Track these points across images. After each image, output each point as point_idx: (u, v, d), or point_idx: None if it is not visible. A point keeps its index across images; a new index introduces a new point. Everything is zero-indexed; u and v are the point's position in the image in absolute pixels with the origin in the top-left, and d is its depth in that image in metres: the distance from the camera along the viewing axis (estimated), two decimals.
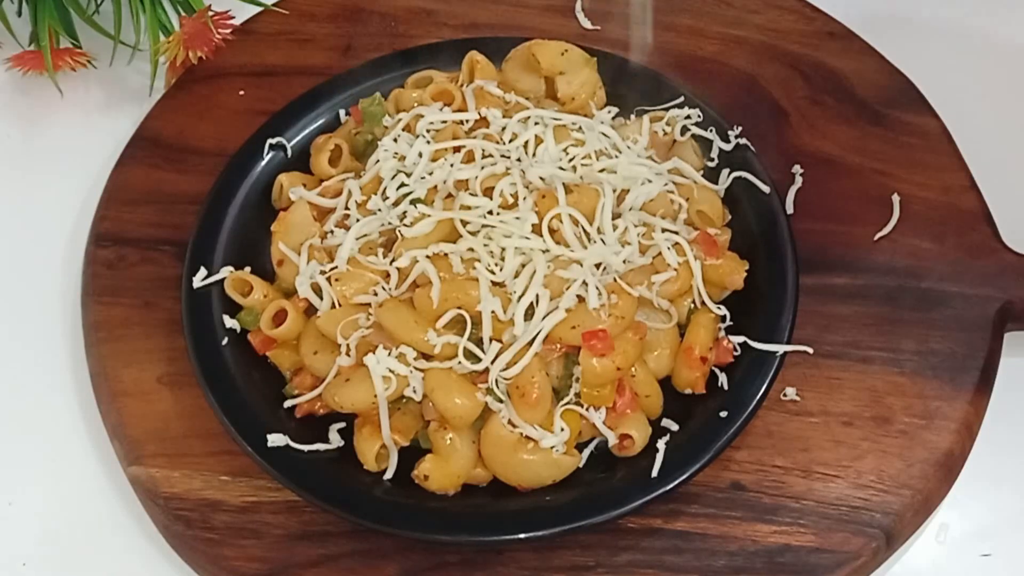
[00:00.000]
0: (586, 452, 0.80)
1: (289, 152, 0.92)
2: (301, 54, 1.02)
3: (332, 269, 0.81)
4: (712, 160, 0.90)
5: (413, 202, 0.81)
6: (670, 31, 1.03)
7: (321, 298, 0.81)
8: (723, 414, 0.79)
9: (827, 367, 0.85)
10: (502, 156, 0.84)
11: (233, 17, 1.01)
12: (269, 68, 1.01)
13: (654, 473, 0.77)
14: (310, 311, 0.83)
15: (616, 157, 0.86)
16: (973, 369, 0.85)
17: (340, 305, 0.80)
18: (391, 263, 0.80)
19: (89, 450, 0.86)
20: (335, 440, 0.81)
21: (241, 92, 1.00)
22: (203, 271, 0.86)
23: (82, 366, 0.88)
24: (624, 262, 0.81)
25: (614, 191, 0.84)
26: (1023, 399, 0.87)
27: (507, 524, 0.77)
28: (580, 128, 0.87)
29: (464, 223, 0.80)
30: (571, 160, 0.84)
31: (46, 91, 1.03)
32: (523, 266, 0.79)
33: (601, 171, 0.84)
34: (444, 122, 0.87)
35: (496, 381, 0.77)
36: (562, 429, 0.78)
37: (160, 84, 1.02)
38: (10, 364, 0.90)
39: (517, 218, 0.80)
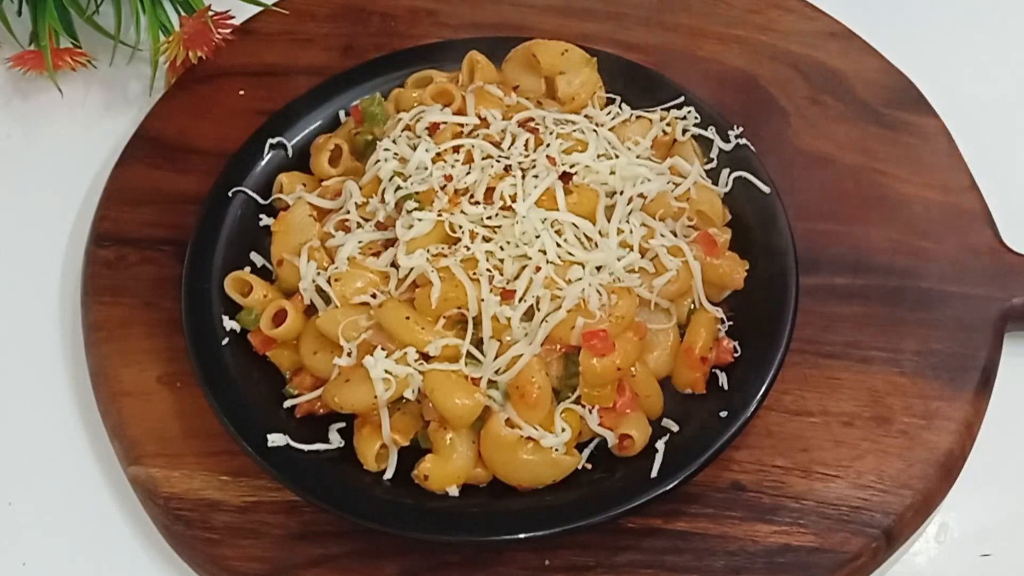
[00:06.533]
0: (586, 452, 0.80)
1: (289, 152, 0.92)
2: (301, 54, 1.02)
3: (333, 269, 0.81)
4: (712, 160, 0.90)
5: (409, 210, 0.81)
6: (670, 31, 1.03)
7: (324, 301, 0.81)
8: (723, 414, 0.79)
9: (827, 367, 0.86)
10: (502, 157, 0.84)
11: (233, 17, 1.01)
12: (269, 68, 1.01)
13: (654, 473, 0.77)
14: (310, 311, 0.83)
15: (616, 158, 0.86)
16: (973, 369, 0.85)
17: (340, 305, 0.80)
18: (390, 264, 0.80)
19: (89, 450, 0.86)
20: (335, 440, 0.81)
21: (241, 92, 1.00)
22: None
23: (82, 366, 0.88)
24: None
25: (614, 192, 0.84)
26: (1023, 399, 0.87)
27: (507, 524, 0.77)
28: (581, 129, 0.86)
29: (461, 226, 0.80)
30: (572, 165, 0.84)
31: (46, 91, 1.03)
32: (523, 268, 0.79)
33: (601, 171, 0.84)
34: (444, 123, 0.87)
35: (495, 381, 0.77)
36: (563, 429, 0.78)
37: (160, 84, 1.02)
38: (10, 364, 0.90)
39: (516, 222, 0.80)
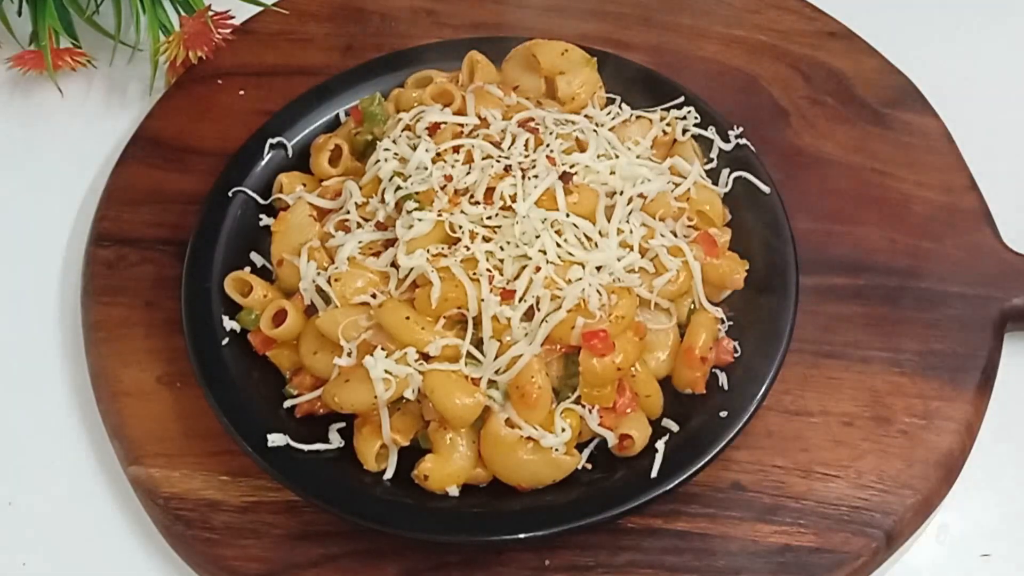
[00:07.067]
0: (586, 452, 0.80)
1: (289, 152, 0.92)
2: (301, 54, 1.02)
3: (333, 269, 0.81)
4: (712, 160, 0.90)
5: (409, 210, 0.81)
6: (670, 31, 1.03)
7: (324, 301, 0.81)
8: (723, 414, 0.79)
9: (827, 367, 0.86)
10: (502, 157, 0.84)
11: (233, 17, 1.01)
12: (269, 68, 1.01)
13: (654, 473, 0.77)
14: (310, 311, 0.83)
15: (616, 158, 0.86)
16: (973, 369, 0.85)
17: (340, 305, 0.80)
18: (390, 264, 0.80)
19: (89, 450, 0.86)
20: (335, 440, 0.81)
21: (241, 92, 1.00)
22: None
23: (82, 366, 0.88)
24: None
25: (614, 192, 0.84)
26: (1023, 399, 0.87)
27: (507, 524, 0.77)
28: (581, 129, 0.86)
29: (461, 226, 0.80)
30: (573, 165, 0.84)
31: (46, 91, 1.03)
32: (523, 268, 0.79)
33: (601, 171, 0.84)
34: (444, 123, 0.87)
35: (495, 381, 0.77)
36: (563, 429, 0.78)
37: (160, 84, 1.02)
38: (10, 364, 0.90)
39: (516, 222, 0.80)
